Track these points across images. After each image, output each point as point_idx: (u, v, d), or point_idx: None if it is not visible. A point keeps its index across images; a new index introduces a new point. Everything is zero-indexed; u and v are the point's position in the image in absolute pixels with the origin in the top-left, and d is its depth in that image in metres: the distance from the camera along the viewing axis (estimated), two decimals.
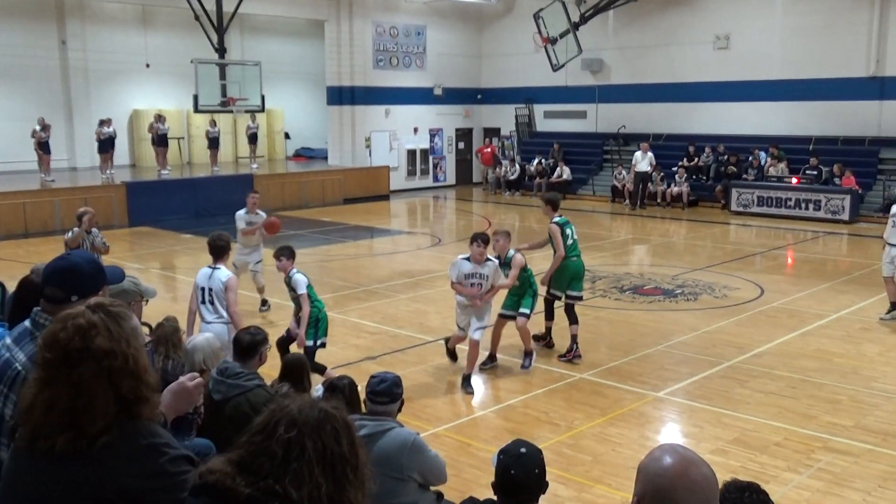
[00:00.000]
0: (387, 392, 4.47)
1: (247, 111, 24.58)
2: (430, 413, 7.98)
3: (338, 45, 26.99)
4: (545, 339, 10.16)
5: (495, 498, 3.53)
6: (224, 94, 22.48)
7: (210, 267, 7.96)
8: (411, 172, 29.52)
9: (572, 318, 9.74)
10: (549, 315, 10.18)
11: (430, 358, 9.77)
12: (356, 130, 27.71)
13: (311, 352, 8.11)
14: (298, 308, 8.39)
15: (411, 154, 29.41)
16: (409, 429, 4.54)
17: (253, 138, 26.72)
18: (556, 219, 9.85)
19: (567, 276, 9.80)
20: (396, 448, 4.28)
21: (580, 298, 10.04)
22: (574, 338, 9.64)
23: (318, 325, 8.34)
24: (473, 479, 6.40)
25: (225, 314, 7.71)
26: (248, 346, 5.22)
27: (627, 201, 24.58)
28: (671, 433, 7.71)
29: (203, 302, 7.83)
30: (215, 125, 25.67)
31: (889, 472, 6.62)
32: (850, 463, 6.78)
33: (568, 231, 9.79)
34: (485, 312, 8.78)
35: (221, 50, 22.86)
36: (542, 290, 9.83)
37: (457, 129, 30.98)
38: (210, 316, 7.76)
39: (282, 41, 30.58)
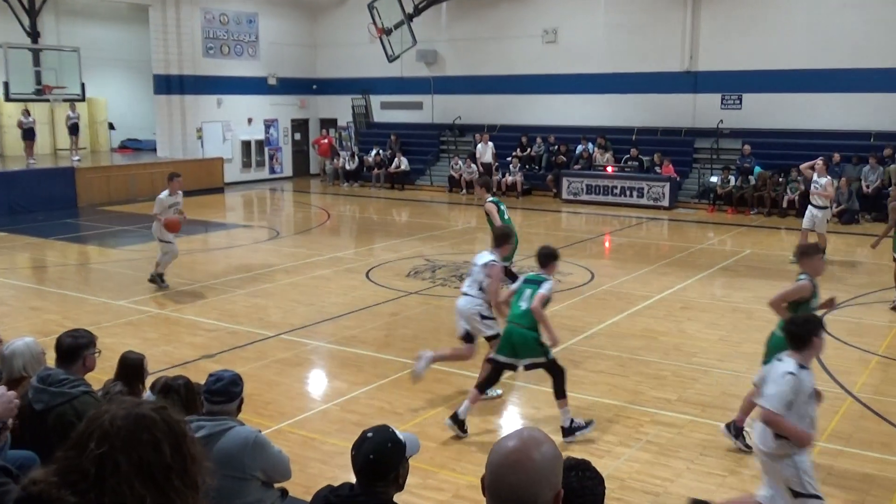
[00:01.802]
0: (222, 391, 4.33)
1: (65, 100, 23.13)
2: (273, 409, 7.82)
3: (164, 31, 25.83)
4: None
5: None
6: (39, 81, 21.03)
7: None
8: (246, 164, 28.77)
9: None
10: None
11: (270, 353, 9.58)
12: (187, 121, 26.68)
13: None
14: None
15: (246, 145, 28.66)
16: (251, 427, 4.43)
17: (74, 129, 25.10)
18: (491, 199, 10.33)
19: (515, 249, 10.13)
20: (237, 447, 4.17)
21: None
22: None
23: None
24: (319, 474, 6.34)
25: (470, 290, 8.05)
26: (69, 350, 4.79)
27: (465, 191, 25.06)
28: (511, 416, 7.95)
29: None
30: (30, 115, 23.90)
31: (709, 440, 7.11)
32: (675, 434, 7.24)
33: (503, 207, 10.28)
34: None
35: (34, 34, 21.37)
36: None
37: (293, 120, 30.48)
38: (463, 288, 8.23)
39: (103, 26, 28.91)
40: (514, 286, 7.61)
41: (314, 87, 30.94)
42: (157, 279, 12.66)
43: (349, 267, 14.57)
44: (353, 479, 3.47)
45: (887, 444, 7.04)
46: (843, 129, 21.54)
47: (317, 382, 9.03)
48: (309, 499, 3.65)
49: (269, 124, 29.50)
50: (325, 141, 29.09)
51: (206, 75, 26.89)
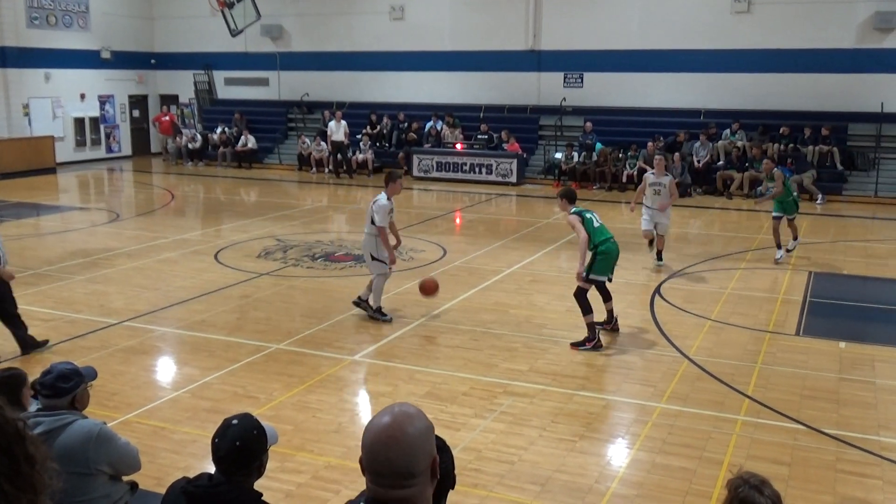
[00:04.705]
0: (48, 385, 4.07)
1: None
2: (118, 400, 7.47)
3: None
4: (611, 323, 9.50)
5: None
6: None
7: None
8: (80, 143, 27.15)
9: (607, 295, 9.37)
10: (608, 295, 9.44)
11: (114, 341, 9.13)
12: (11, 96, 24.84)
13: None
14: None
15: (79, 123, 27.03)
16: (94, 419, 4.20)
17: None
18: (574, 209, 9.17)
19: (612, 261, 9.16)
20: (80, 442, 3.95)
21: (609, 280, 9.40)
22: (610, 312, 9.42)
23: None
24: (171, 464, 6.12)
25: None
26: None
27: (315, 169, 24.75)
28: (368, 394, 7.95)
29: None
30: None
31: (559, 407, 7.39)
32: (527, 403, 7.47)
33: (589, 216, 9.14)
34: None
35: None
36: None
37: (130, 96, 29.01)
38: None
39: None
40: None
41: (153, 61, 29.55)
42: (378, 314, 9.91)
43: (196, 249, 14.08)
44: (208, 469, 3.37)
45: (721, 402, 7.54)
46: (675, 107, 22.76)
47: (165, 370, 8.69)
48: (161, 491, 3.51)
49: (104, 100, 27.93)
50: (167, 118, 27.85)
51: (32, 47, 25.09)
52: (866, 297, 11.73)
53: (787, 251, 13.33)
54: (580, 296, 9.03)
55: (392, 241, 9.92)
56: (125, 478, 4.31)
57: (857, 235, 15.90)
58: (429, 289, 9.79)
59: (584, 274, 9.02)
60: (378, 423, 2.13)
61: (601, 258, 9.02)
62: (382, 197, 9.70)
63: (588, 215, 9.17)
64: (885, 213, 18.43)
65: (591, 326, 9.00)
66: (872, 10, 20.67)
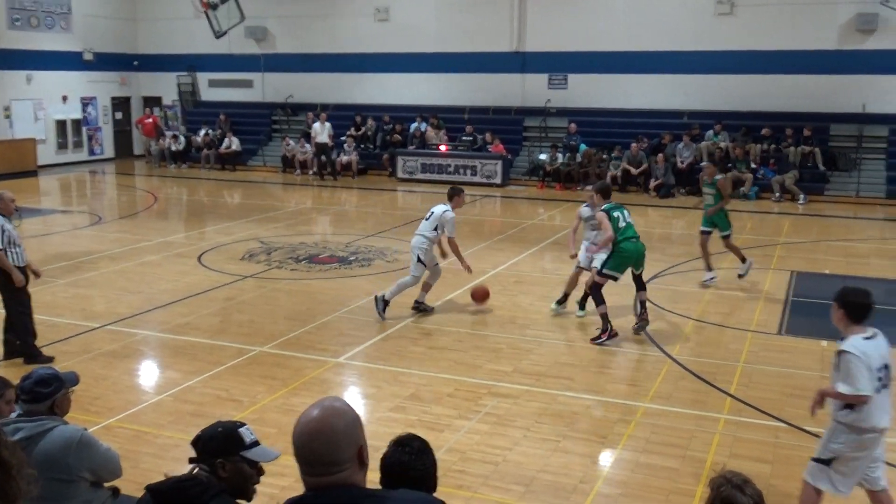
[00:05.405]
0: (27, 390, 4.05)
1: None
2: (100, 405, 7.42)
3: None
4: (643, 315, 9.46)
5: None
6: None
7: None
8: (62, 145, 26.97)
9: (641, 285, 9.52)
10: (641, 285, 9.55)
11: (96, 345, 9.08)
12: None
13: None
14: None
15: (61, 125, 26.84)
16: (75, 425, 4.17)
17: None
18: (605, 206, 9.40)
19: (629, 260, 9.21)
20: (61, 448, 3.93)
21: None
22: (642, 303, 9.52)
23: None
24: (153, 469, 6.08)
25: None
26: None
27: (299, 171, 24.69)
28: (352, 396, 7.93)
29: None
30: None
31: (543, 407, 7.40)
32: (512, 404, 7.48)
33: (616, 214, 9.23)
34: None
35: None
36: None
37: (113, 98, 28.83)
38: None
39: None
40: None
41: (135, 63, 29.38)
42: (381, 304, 10.09)
43: (179, 252, 14.01)
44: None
45: (703, 401, 7.58)
46: (658, 108, 22.85)
47: (148, 374, 8.65)
48: None
49: (86, 102, 27.76)
50: (150, 120, 27.71)
51: (13, 49, 24.91)
52: None
53: (740, 276, 11.70)
54: (594, 289, 9.28)
55: (437, 251, 10.44)
56: (107, 483, 4.28)
57: (838, 235, 16.02)
58: (480, 296, 10.42)
59: (599, 268, 9.32)
60: (305, 417, 2.30)
61: (616, 255, 9.21)
62: (449, 210, 10.21)
63: (616, 213, 9.30)
64: (866, 213, 18.58)
65: (605, 317, 9.20)
66: (854, 11, 20.84)
